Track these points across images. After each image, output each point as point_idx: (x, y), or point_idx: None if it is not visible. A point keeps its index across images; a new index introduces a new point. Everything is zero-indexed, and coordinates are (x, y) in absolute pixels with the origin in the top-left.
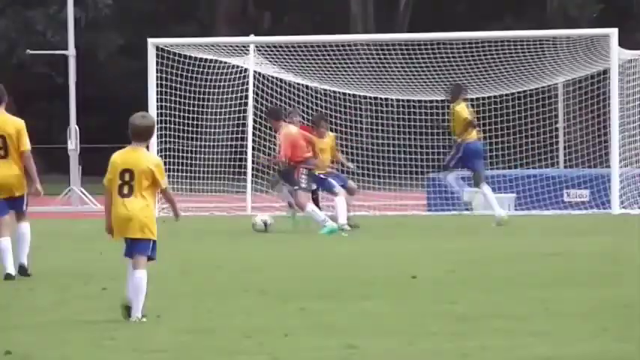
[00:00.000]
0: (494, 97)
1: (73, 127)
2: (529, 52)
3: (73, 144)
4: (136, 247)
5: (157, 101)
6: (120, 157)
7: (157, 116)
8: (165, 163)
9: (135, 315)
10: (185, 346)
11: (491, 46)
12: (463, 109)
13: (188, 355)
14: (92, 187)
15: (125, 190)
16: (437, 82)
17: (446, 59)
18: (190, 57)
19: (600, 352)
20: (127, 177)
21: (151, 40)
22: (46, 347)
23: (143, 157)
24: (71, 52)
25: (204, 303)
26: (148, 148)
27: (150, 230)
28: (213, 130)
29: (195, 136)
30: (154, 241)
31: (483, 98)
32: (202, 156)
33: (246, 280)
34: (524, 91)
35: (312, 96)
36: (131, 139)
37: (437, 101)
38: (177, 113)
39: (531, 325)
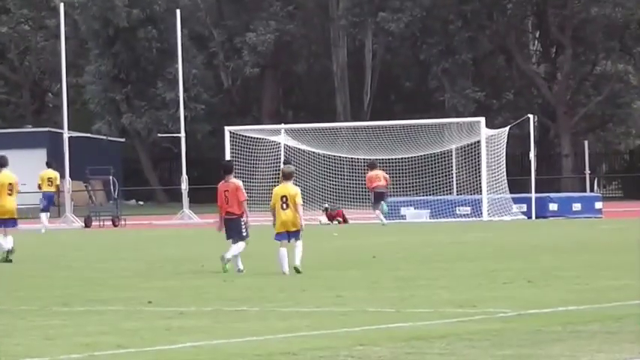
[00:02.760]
0: (417, 156)
1: (184, 176)
2: (436, 130)
3: (184, 186)
4: (293, 235)
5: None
6: (279, 189)
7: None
8: None
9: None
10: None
11: (413, 127)
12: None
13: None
14: (195, 209)
15: (284, 207)
16: (382, 146)
17: (391, 135)
18: (247, 137)
19: (480, 297)
20: (284, 199)
21: (227, 128)
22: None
23: (290, 188)
24: (182, 134)
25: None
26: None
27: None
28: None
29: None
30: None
31: (410, 158)
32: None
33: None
34: (434, 153)
35: (316, 156)
36: (282, 180)
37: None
38: (243, 171)
39: (439, 283)
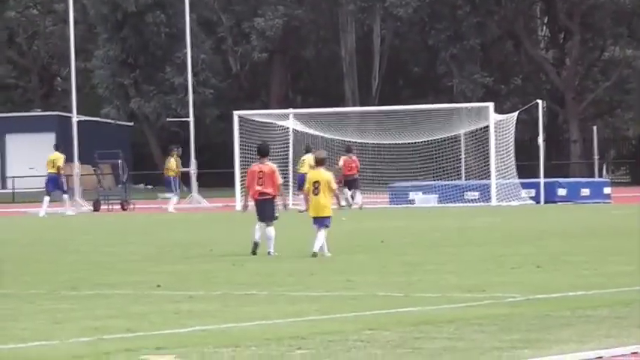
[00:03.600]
0: (425, 141)
1: (193, 160)
2: (444, 115)
3: (193, 170)
4: (320, 221)
5: (240, 148)
6: (312, 174)
7: (240, 158)
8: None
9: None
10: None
11: (421, 112)
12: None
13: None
14: (203, 193)
15: (316, 192)
16: (391, 131)
17: (400, 120)
18: (256, 121)
19: (488, 282)
20: (316, 185)
21: (236, 112)
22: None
23: (323, 174)
24: (191, 119)
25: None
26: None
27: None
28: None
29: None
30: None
31: (418, 143)
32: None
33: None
34: (442, 138)
35: (325, 141)
36: (315, 165)
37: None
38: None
39: (447, 267)
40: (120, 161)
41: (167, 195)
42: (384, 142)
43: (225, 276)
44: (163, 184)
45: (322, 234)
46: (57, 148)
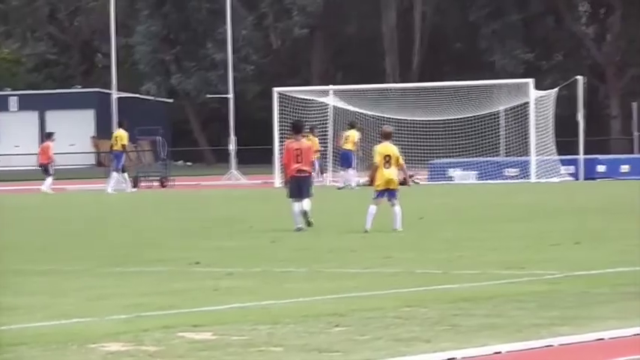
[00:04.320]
0: (465, 118)
1: (232, 137)
2: (484, 91)
3: (232, 146)
4: (392, 194)
5: (279, 124)
6: (381, 148)
7: (279, 135)
8: None
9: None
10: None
11: (462, 88)
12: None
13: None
14: (243, 170)
15: (387, 165)
16: (431, 107)
17: (440, 96)
18: (296, 98)
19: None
20: (387, 158)
21: (275, 89)
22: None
23: (392, 148)
24: (231, 95)
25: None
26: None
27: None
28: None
29: None
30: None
31: (458, 119)
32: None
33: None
34: (483, 114)
35: (364, 117)
36: (382, 139)
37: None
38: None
39: (486, 244)
40: (159, 138)
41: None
42: (424, 119)
43: (264, 253)
44: (204, 159)
45: (398, 209)
46: (120, 125)
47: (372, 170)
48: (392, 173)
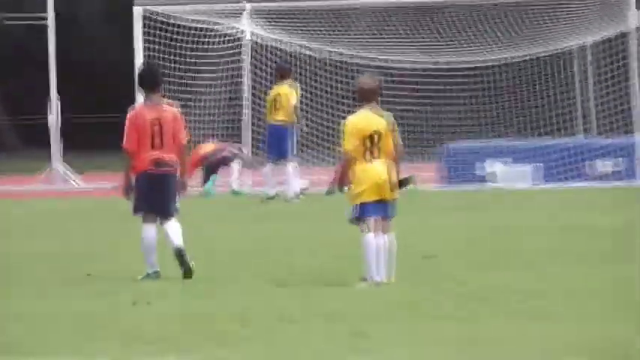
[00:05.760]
0: (517, 62)
1: (54, 98)
2: (543, 13)
3: (53, 116)
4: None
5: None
6: (359, 120)
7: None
8: None
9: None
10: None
11: (508, 4)
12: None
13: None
14: (76, 162)
15: (372, 155)
16: (446, 44)
17: (457, 21)
18: (180, 25)
19: (601, 337)
20: (371, 140)
21: (136, 8)
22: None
23: (379, 119)
24: (50, 17)
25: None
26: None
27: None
28: (207, 104)
29: (187, 110)
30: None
31: (493, 65)
32: (196, 132)
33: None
34: (537, 55)
35: (311, 60)
36: (360, 102)
37: (457, 63)
38: (167, 87)
39: (549, 304)
40: None
41: None
42: (429, 63)
43: (118, 326)
44: None
45: (392, 241)
46: None
47: (343, 166)
48: (381, 169)
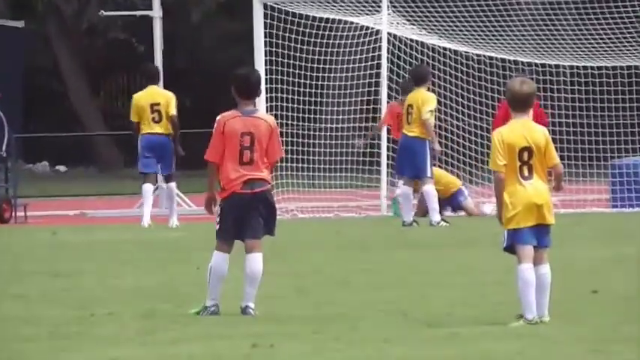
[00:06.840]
0: None
1: None
2: None
3: None
4: (543, 235)
5: (266, 73)
6: (509, 132)
7: (266, 92)
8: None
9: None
10: None
11: None
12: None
13: None
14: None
15: (526, 173)
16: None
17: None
18: (308, 16)
19: None
20: (524, 156)
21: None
22: None
23: (534, 128)
24: (157, 12)
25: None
26: None
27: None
28: (337, 109)
29: (314, 116)
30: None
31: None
32: (324, 141)
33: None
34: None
35: (462, 63)
36: (513, 110)
37: (620, 68)
38: (291, 88)
39: None
40: None
41: None
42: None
43: None
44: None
45: (547, 272)
46: None
47: (495, 189)
48: (539, 188)
